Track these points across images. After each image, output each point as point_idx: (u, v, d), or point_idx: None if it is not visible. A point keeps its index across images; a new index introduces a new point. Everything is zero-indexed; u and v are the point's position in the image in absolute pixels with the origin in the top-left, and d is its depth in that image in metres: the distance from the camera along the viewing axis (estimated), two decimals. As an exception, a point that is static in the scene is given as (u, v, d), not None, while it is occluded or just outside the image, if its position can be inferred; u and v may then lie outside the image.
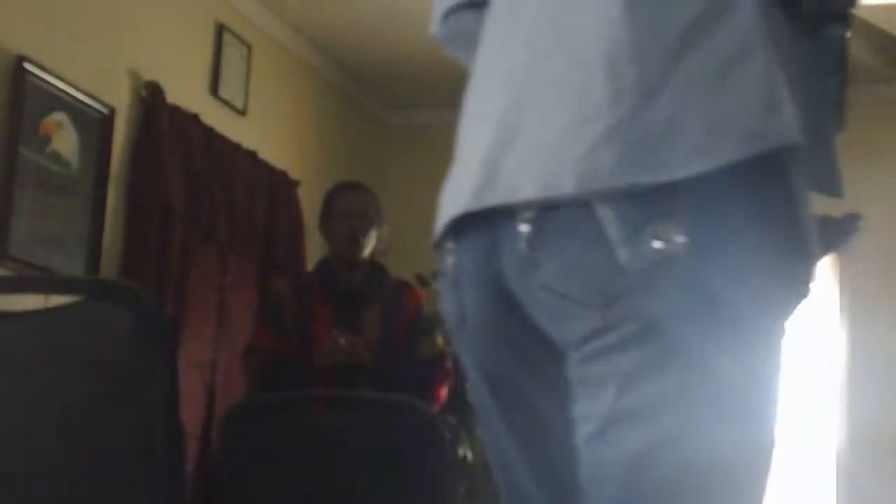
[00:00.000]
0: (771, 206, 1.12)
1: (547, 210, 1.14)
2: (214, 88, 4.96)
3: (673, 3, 1.14)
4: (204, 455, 4.65)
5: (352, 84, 6.23)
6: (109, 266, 4.24)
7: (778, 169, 1.12)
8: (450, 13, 1.47)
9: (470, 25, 1.41)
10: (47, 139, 3.94)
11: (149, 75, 4.47)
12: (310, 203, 5.59)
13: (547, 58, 1.19)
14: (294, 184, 5.46)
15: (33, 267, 3.84)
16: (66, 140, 4.03)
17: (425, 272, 6.05)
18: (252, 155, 5.14)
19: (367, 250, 3.76)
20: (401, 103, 6.53)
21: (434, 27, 1.51)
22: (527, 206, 1.15)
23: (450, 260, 1.30)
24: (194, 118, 4.68)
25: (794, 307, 1.16)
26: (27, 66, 3.83)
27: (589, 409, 1.16)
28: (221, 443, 3.00)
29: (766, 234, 1.12)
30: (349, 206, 3.78)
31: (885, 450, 5.55)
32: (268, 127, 5.41)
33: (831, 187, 1.27)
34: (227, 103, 5.04)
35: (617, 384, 1.12)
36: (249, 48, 5.21)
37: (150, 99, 4.43)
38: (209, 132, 4.78)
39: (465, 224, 1.25)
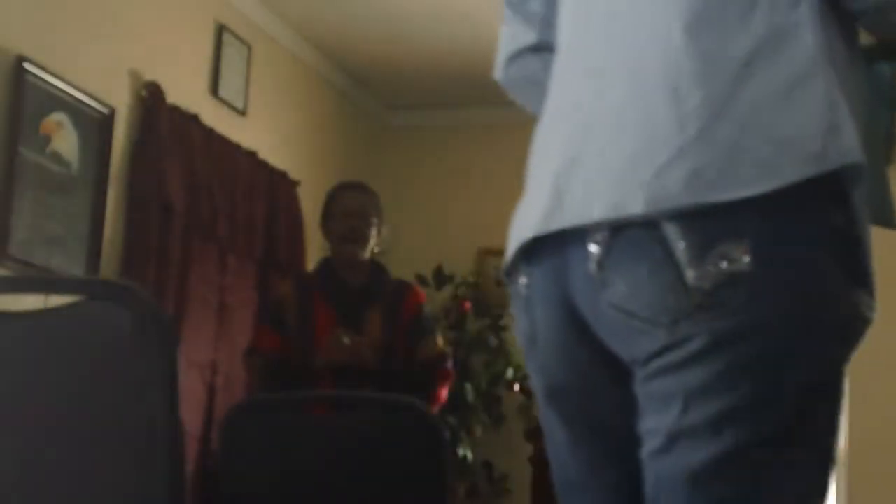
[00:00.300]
0: (833, 226, 1.16)
1: (616, 231, 1.18)
2: (214, 88, 4.96)
3: (734, 30, 1.18)
4: (204, 455, 4.65)
5: (352, 84, 6.23)
6: (109, 266, 4.24)
7: (839, 191, 1.16)
8: (514, 58, 1.52)
9: (534, 70, 1.49)
10: (47, 139, 3.94)
11: (149, 75, 4.47)
12: (310, 203, 5.59)
13: (611, 87, 1.24)
14: (294, 184, 5.46)
15: (33, 267, 3.84)
16: (66, 140, 4.03)
17: (425, 272, 6.06)
18: (252, 155, 5.14)
19: (368, 250, 3.75)
20: (401, 103, 6.53)
21: (498, 73, 1.57)
22: (597, 227, 1.19)
23: (522, 282, 1.34)
24: (194, 118, 4.68)
25: (859, 329, 1.20)
26: (27, 66, 3.83)
27: (654, 425, 1.19)
28: (221, 443, 2.99)
29: (827, 255, 1.15)
30: (350, 206, 3.78)
31: (886, 451, 5.55)
32: (268, 127, 5.41)
33: (884, 219, 1.31)
34: (227, 103, 5.04)
35: (682, 400, 1.16)
36: (249, 48, 5.21)
37: (151, 99, 4.43)
38: (209, 132, 4.78)
39: (536, 248, 1.29)
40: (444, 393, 3.71)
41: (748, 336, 1.13)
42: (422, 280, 6.01)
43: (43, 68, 3.90)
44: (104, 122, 4.21)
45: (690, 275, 1.13)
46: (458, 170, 6.43)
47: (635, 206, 1.15)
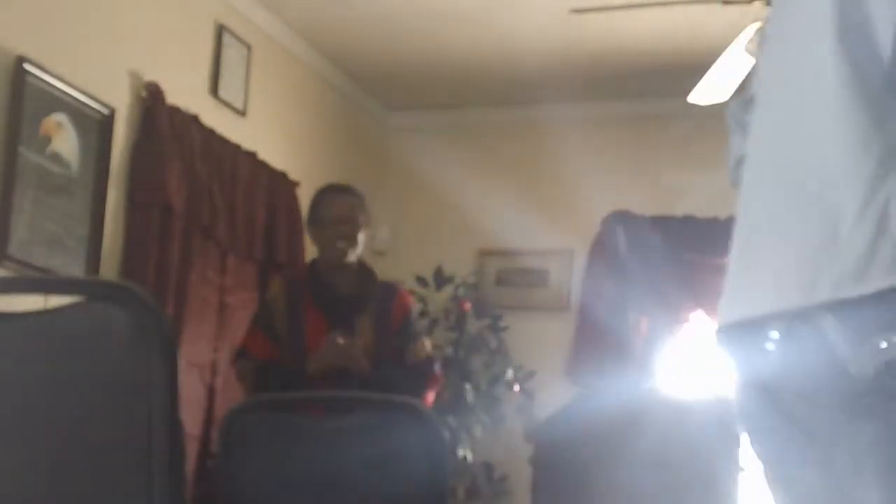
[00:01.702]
0: None
1: (784, 322, 1.24)
2: (214, 89, 4.96)
3: (878, 132, 1.22)
4: (204, 455, 4.65)
5: (352, 84, 6.23)
6: (109, 266, 4.24)
7: None
8: (739, 163, 1.62)
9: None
10: (47, 140, 3.94)
11: (149, 76, 4.47)
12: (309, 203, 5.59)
13: (772, 188, 1.33)
14: (294, 184, 5.46)
15: (33, 267, 3.84)
16: (66, 140, 4.03)
17: (425, 272, 6.06)
18: (252, 155, 5.14)
19: (356, 255, 3.74)
20: (401, 103, 6.53)
21: (729, 176, 1.67)
22: (767, 318, 1.27)
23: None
24: (194, 119, 4.68)
25: None
26: (27, 66, 3.83)
27: None
28: (221, 443, 2.99)
29: None
30: (336, 211, 3.74)
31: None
32: (268, 127, 5.41)
33: None
34: (227, 104, 5.04)
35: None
36: (249, 48, 5.21)
37: (150, 99, 4.43)
38: (209, 133, 4.78)
39: (732, 331, 1.38)
40: (430, 398, 3.71)
41: None
42: (422, 280, 6.02)
43: (43, 69, 3.90)
44: (104, 123, 4.21)
45: (852, 363, 1.18)
46: (458, 170, 6.42)
47: (795, 300, 1.23)
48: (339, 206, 3.76)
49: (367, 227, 3.80)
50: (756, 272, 1.31)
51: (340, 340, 3.53)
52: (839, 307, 1.18)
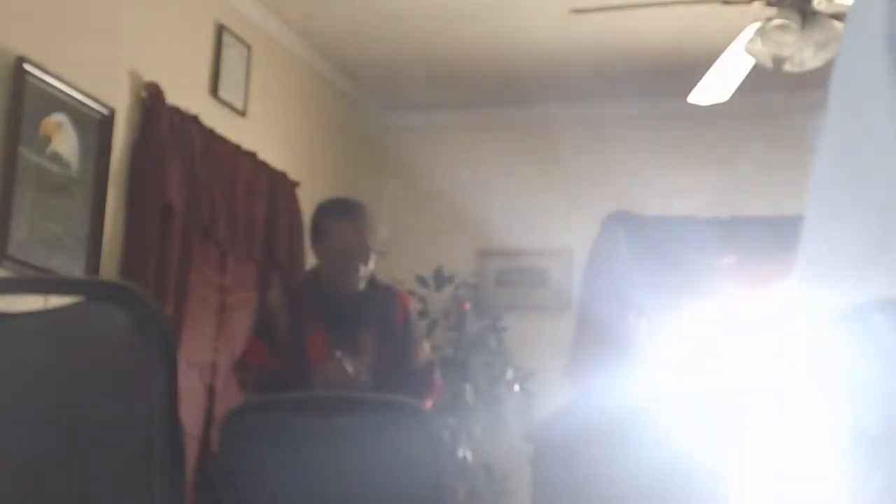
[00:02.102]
0: None
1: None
2: (214, 89, 4.96)
3: None
4: (204, 456, 4.65)
5: (352, 84, 6.23)
6: (109, 266, 4.24)
7: None
8: None
9: None
10: (47, 140, 3.94)
11: (149, 76, 4.47)
12: (310, 203, 5.57)
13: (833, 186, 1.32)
14: (294, 184, 5.46)
15: (33, 268, 3.84)
16: (66, 141, 4.03)
17: (425, 273, 6.06)
18: (252, 155, 5.14)
19: (364, 280, 3.61)
20: (401, 103, 6.53)
21: None
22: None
23: None
24: (194, 119, 4.68)
25: None
26: (27, 66, 3.83)
27: None
28: (221, 444, 2.99)
29: None
30: (346, 241, 3.56)
31: (887, 451, 5.54)
32: (268, 127, 5.41)
33: None
34: (227, 104, 5.04)
35: None
36: (249, 48, 5.21)
37: (150, 100, 4.43)
38: (209, 133, 4.78)
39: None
40: (428, 405, 3.67)
41: None
42: (422, 280, 6.02)
43: (43, 69, 3.89)
44: (104, 123, 4.21)
45: None
46: (458, 170, 6.43)
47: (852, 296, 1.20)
48: (349, 235, 3.57)
49: (375, 248, 3.64)
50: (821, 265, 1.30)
51: (349, 367, 3.42)
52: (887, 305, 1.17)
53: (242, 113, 5.16)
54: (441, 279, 6.05)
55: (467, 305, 6.06)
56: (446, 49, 5.67)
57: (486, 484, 5.88)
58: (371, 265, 3.61)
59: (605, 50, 5.57)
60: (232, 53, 5.07)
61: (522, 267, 6.29)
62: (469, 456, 5.72)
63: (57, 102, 3.97)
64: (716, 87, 4.52)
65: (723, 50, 4.33)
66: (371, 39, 5.63)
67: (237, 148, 5.01)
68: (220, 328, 4.83)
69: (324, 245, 3.62)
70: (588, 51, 5.60)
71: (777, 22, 3.91)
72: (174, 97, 4.55)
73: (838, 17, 3.98)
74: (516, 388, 5.90)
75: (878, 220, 1.22)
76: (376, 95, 6.45)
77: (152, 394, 1.48)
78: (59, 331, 1.57)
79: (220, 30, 5.00)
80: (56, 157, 3.98)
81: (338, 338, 3.53)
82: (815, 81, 4.78)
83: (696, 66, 4.65)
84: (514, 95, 6.23)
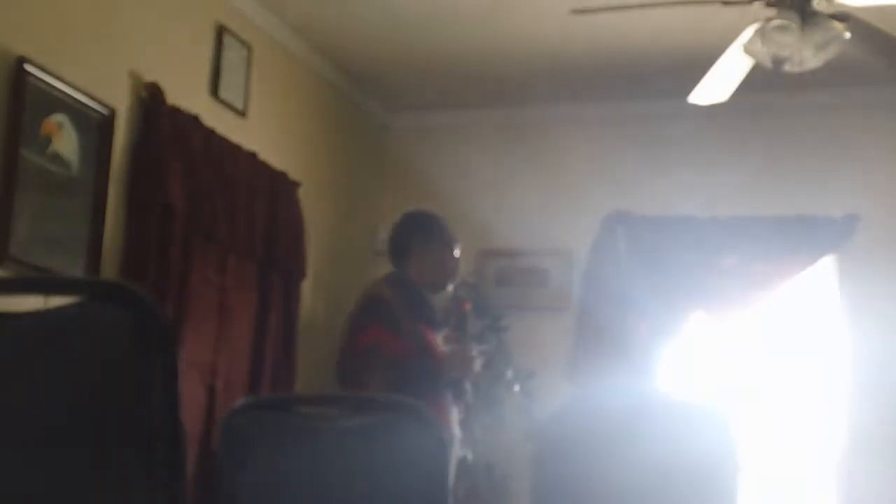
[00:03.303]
0: None
1: None
2: (215, 89, 4.96)
3: None
4: (204, 456, 4.65)
5: (352, 84, 6.23)
6: (109, 266, 4.24)
7: None
8: None
9: None
10: (48, 140, 3.94)
11: (149, 76, 4.47)
12: (310, 204, 5.59)
13: None
14: (294, 184, 5.46)
15: (34, 268, 3.84)
16: (66, 141, 4.03)
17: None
18: (252, 156, 5.14)
19: None
20: (401, 103, 6.53)
21: None
22: None
23: None
24: (194, 119, 4.68)
25: None
26: (27, 66, 3.83)
27: None
28: (221, 444, 2.99)
29: None
30: (454, 266, 4.72)
31: (887, 451, 5.54)
32: (268, 128, 5.41)
33: None
34: (227, 104, 5.04)
35: None
36: (249, 49, 5.21)
37: (151, 100, 4.43)
38: (209, 133, 4.78)
39: None
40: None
41: None
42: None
43: (43, 69, 3.90)
44: (104, 123, 4.21)
45: None
46: (458, 170, 6.43)
47: None
48: (455, 262, 4.74)
49: None
50: None
51: (475, 354, 4.35)
52: None
53: (243, 113, 5.16)
54: (441, 279, 6.05)
55: (467, 305, 6.06)
56: (446, 49, 5.67)
57: (486, 484, 5.88)
58: None
59: (605, 50, 5.57)
60: (232, 54, 5.07)
61: (522, 267, 6.29)
62: (469, 455, 5.71)
63: (57, 103, 3.98)
64: (716, 87, 4.52)
65: (723, 50, 4.33)
66: (371, 39, 5.63)
67: (237, 148, 5.01)
68: (220, 328, 4.83)
69: (444, 248, 4.64)
70: (588, 51, 5.60)
71: (777, 22, 3.92)
72: (174, 97, 4.55)
73: (838, 17, 3.98)
74: (516, 388, 5.90)
75: None
76: (376, 95, 6.45)
77: (152, 394, 1.48)
78: (59, 331, 1.57)
79: (221, 30, 5.00)
80: (56, 158, 3.98)
81: (435, 331, 4.49)
82: (815, 81, 4.80)
83: (695, 66, 4.65)
84: (514, 95, 6.23)
